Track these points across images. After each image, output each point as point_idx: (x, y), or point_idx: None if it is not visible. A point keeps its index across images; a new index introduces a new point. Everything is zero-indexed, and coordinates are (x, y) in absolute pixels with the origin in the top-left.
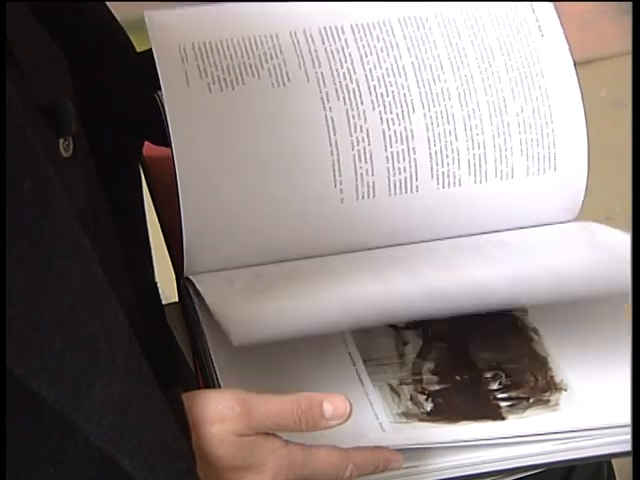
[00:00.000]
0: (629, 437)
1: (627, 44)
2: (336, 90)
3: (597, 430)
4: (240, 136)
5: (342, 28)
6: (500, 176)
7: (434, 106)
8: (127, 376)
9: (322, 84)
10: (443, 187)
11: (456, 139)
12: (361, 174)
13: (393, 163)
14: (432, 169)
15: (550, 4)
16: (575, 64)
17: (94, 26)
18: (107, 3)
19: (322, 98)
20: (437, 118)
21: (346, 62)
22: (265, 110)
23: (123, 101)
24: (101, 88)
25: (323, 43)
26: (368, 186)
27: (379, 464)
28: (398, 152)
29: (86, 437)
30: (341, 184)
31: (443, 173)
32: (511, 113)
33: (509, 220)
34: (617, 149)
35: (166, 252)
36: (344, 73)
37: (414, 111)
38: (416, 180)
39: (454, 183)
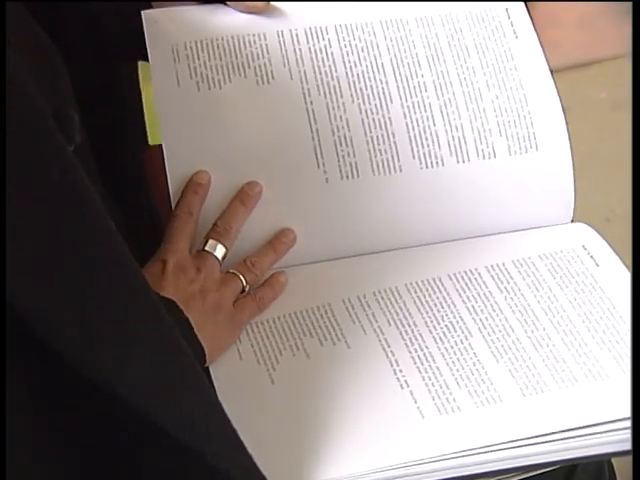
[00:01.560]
0: (629, 436)
1: (627, 46)
2: (317, 86)
3: (597, 426)
4: (227, 131)
5: (326, 28)
6: (482, 155)
7: (411, 97)
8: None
9: (304, 81)
10: (426, 167)
11: (434, 124)
12: (343, 156)
13: (374, 145)
14: (413, 150)
15: (523, 8)
16: (575, 65)
17: None
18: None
19: (304, 93)
20: (414, 107)
21: (328, 60)
22: (250, 104)
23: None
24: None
25: (307, 42)
26: (351, 166)
27: None
28: (377, 136)
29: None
30: (324, 165)
31: (424, 154)
32: (487, 100)
33: (499, 208)
34: (617, 151)
35: None
36: (325, 71)
37: (392, 102)
38: (398, 160)
39: (436, 163)
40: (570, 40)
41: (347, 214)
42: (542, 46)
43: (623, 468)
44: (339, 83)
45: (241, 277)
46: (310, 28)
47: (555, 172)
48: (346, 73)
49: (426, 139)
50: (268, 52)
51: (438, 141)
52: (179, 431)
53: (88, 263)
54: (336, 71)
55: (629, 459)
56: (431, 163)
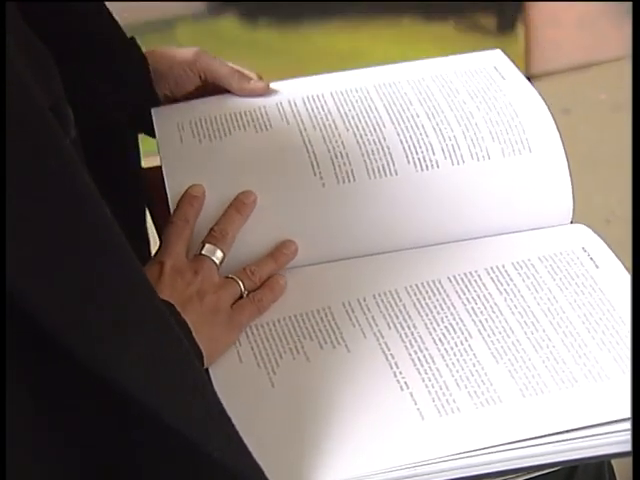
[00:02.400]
0: (629, 437)
1: (627, 47)
2: (313, 125)
3: (598, 427)
4: (224, 144)
5: (323, 95)
6: (477, 158)
7: (403, 121)
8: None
9: (300, 122)
10: (422, 169)
11: (427, 135)
12: (339, 165)
13: (369, 156)
14: (407, 157)
15: (510, 63)
16: (574, 66)
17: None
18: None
19: (300, 130)
20: (407, 127)
21: (323, 110)
22: (248, 145)
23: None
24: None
25: (305, 105)
26: (347, 173)
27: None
28: (372, 149)
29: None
30: (320, 173)
31: (419, 159)
32: (478, 116)
33: (496, 210)
34: (617, 152)
35: None
36: (321, 118)
37: (385, 126)
38: (393, 165)
39: (431, 166)
40: (570, 41)
41: (344, 217)
42: (541, 47)
43: (623, 469)
44: (334, 121)
45: (240, 282)
46: (307, 97)
47: (550, 173)
48: (340, 115)
49: (420, 147)
50: (267, 113)
51: (432, 148)
52: (180, 428)
53: (89, 261)
54: (331, 115)
55: (629, 460)
56: (426, 166)
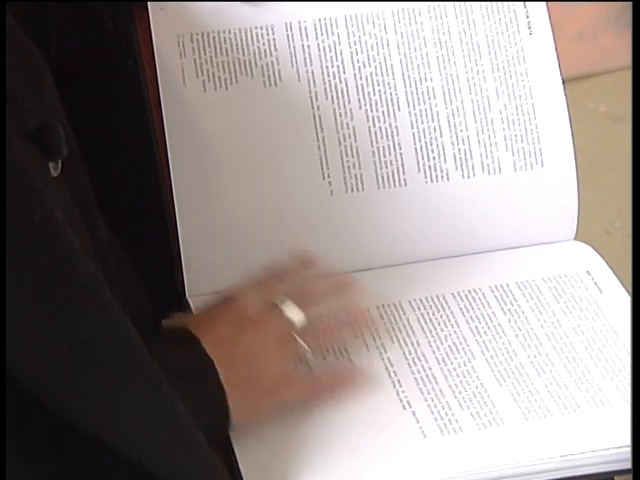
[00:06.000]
0: (629, 455)
1: (627, 58)
2: (325, 90)
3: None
4: (232, 138)
5: (336, 20)
6: (487, 171)
7: (419, 104)
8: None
9: (312, 83)
10: (431, 181)
11: (441, 135)
12: (348, 167)
13: (379, 157)
14: (418, 163)
15: (542, 3)
16: (574, 78)
17: None
18: None
19: (311, 97)
20: (422, 116)
21: (337, 60)
22: (256, 110)
23: None
24: None
25: (316, 38)
26: (356, 179)
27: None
28: (384, 147)
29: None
30: (329, 177)
31: (430, 167)
32: (495, 111)
33: (502, 224)
34: (617, 164)
35: None
36: (334, 72)
37: (399, 109)
38: (403, 174)
39: (442, 177)
40: (569, 53)
41: (350, 228)
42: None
43: None
44: (347, 86)
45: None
46: (319, 20)
47: (560, 189)
48: (354, 75)
49: (432, 151)
50: (276, 49)
51: (444, 154)
52: None
53: (71, 324)
54: (344, 72)
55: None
56: (436, 177)
